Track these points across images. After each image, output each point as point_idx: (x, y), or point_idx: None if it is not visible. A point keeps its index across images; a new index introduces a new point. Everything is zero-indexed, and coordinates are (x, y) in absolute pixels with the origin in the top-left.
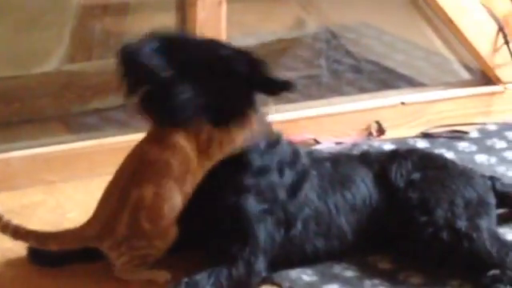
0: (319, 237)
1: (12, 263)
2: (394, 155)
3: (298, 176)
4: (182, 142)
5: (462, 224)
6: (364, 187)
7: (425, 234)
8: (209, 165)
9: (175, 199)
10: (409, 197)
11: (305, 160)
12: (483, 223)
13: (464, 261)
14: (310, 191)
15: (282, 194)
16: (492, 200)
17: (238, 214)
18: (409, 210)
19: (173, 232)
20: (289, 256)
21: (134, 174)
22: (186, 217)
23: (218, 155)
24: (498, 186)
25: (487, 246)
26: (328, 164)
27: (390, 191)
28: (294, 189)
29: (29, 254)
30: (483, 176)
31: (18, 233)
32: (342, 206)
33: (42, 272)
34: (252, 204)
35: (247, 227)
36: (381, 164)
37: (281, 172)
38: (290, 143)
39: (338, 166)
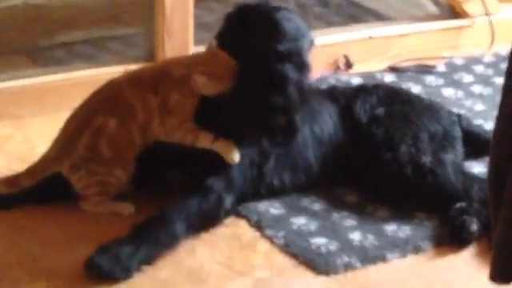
0: (287, 170)
1: None
2: (359, 90)
3: None
4: (152, 102)
5: (426, 159)
6: (330, 122)
7: (389, 171)
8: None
9: (134, 139)
10: (373, 132)
11: None
12: (448, 157)
13: (429, 195)
14: None
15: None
16: (458, 133)
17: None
18: (373, 145)
19: (132, 164)
20: (256, 189)
21: (103, 104)
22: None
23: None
24: (464, 123)
25: (452, 179)
26: None
27: (355, 126)
28: None
29: None
30: (450, 112)
31: None
32: (310, 140)
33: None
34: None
35: (225, 164)
36: (347, 99)
37: None
38: None
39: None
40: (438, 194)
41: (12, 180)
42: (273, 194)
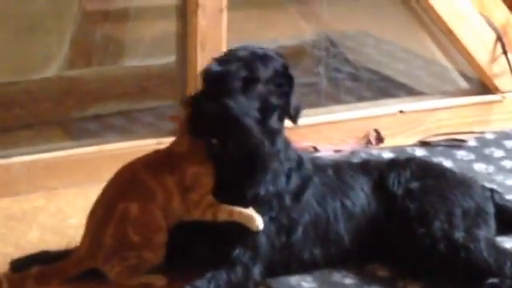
0: (317, 243)
1: None
2: (392, 164)
3: (302, 182)
4: (170, 182)
5: (459, 235)
6: (363, 195)
7: (422, 246)
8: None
9: (157, 218)
10: (407, 207)
11: (308, 166)
12: (481, 233)
13: (462, 271)
14: (311, 197)
15: (287, 201)
16: (490, 209)
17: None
18: (407, 220)
19: (162, 246)
20: (287, 262)
21: (122, 190)
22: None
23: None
24: (497, 198)
25: (485, 256)
26: (330, 171)
27: (388, 200)
28: (298, 195)
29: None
30: (483, 187)
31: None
32: (341, 213)
33: None
34: (259, 212)
35: (250, 233)
36: (380, 172)
37: (288, 178)
38: (295, 149)
39: (340, 174)
40: (471, 269)
41: (43, 278)
42: (303, 267)
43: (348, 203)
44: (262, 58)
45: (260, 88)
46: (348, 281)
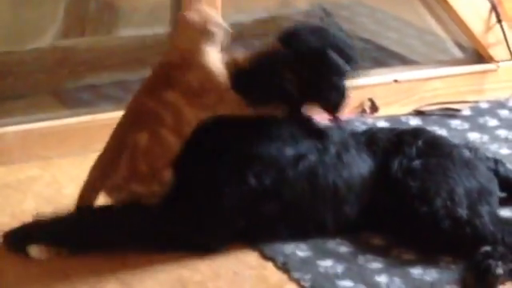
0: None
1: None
2: (400, 142)
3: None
4: (172, 97)
5: (462, 212)
6: (365, 177)
7: (426, 225)
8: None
9: (169, 144)
10: (409, 185)
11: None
12: (484, 209)
13: (469, 247)
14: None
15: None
16: (495, 190)
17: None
18: (408, 198)
19: (168, 175)
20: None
21: (130, 121)
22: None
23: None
24: (502, 170)
25: (491, 229)
26: (333, 150)
27: (391, 180)
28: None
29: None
30: (488, 158)
31: None
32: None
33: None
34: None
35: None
36: (385, 154)
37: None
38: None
39: (343, 154)
40: (478, 244)
41: None
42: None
43: (339, 183)
44: None
45: None
46: (343, 249)
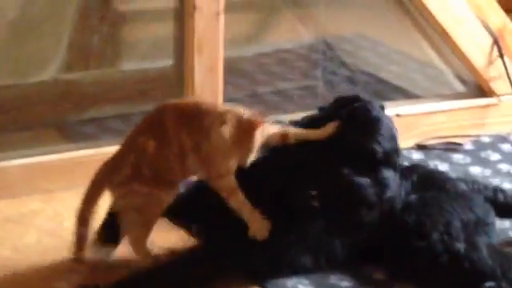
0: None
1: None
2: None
3: None
4: (186, 140)
5: (460, 246)
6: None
7: (424, 260)
8: None
9: (173, 165)
10: (405, 220)
11: None
12: (481, 241)
13: (467, 282)
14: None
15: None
16: (492, 220)
17: None
18: (406, 234)
19: (175, 188)
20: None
21: (147, 125)
22: None
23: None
24: (501, 198)
25: (489, 263)
26: None
27: (389, 216)
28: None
29: None
30: (486, 187)
31: None
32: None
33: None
34: None
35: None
36: None
37: None
38: None
39: None
40: (476, 279)
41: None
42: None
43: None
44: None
45: None
46: (344, 284)
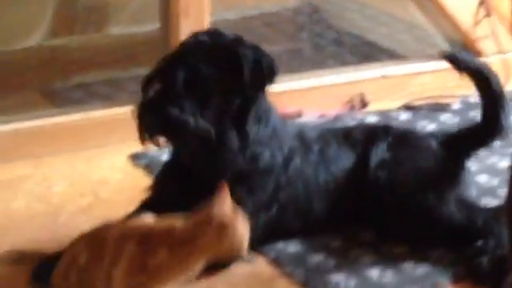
0: (296, 219)
1: None
2: (372, 136)
3: (284, 162)
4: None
5: (429, 199)
6: (345, 172)
7: (394, 214)
8: None
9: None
10: (377, 176)
11: (293, 143)
12: (451, 195)
13: (437, 234)
14: (294, 174)
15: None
16: (461, 171)
17: None
18: (378, 190)
19: None
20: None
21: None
22: None
23: None
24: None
25: (457, 216)
26: (316, 147)
27: (366, 174)
28: (279, 173)
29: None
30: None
31: None
32: (319, 191)
33: None
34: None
35: None
36: (363, 147)
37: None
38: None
39: (324, 150)
40: (446, 231)
41: None
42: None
43: (329, 178)
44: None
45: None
46: (333, 244)
